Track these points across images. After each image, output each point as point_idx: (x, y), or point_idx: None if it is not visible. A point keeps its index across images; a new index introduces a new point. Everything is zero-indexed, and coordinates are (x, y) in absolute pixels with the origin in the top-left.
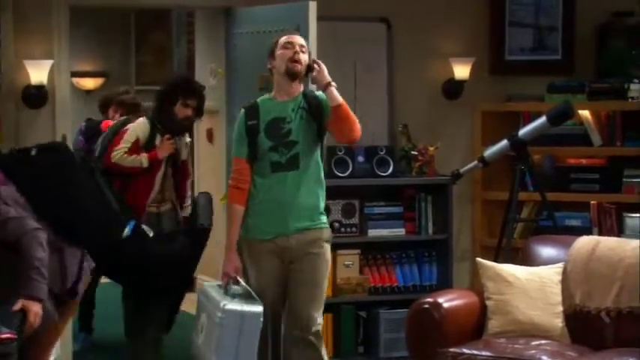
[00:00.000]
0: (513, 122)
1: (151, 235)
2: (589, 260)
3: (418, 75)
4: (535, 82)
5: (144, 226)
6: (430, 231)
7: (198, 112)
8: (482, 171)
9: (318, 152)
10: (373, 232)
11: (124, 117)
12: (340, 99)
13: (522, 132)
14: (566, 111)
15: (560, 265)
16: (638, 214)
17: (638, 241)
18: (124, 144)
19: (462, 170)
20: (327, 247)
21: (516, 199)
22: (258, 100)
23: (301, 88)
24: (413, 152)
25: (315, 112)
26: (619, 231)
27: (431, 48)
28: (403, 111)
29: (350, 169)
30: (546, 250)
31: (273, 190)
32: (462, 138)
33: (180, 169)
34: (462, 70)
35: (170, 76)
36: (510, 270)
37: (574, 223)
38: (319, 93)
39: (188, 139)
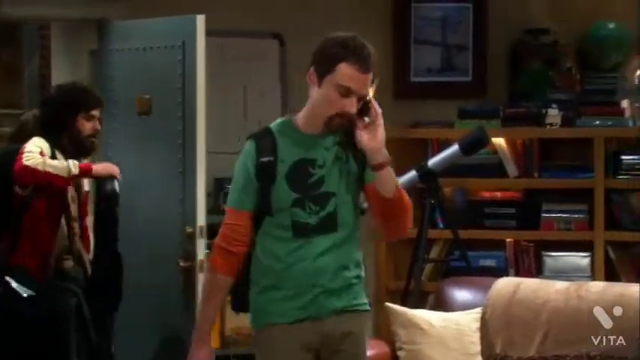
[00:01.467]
0: (421, 151)
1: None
2: (510, 304)
3: None
4: (444, 106)
5: (16, 285)
6: None
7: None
8: None
9: (359, 204)
10: None
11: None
12: (396, 183)
13: (432, 162)
14: (480, 138)
15: (479, 310)
16: (558, 253)
17: (562, 282)
18: (32, 150)
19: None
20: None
21: (425, 236)
22: (273, 126)
23: None
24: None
25: (358, 149)
26: (537, 271)
27: None
28: None
29: None
30: (462, 294)
31: (294, 257)
32: None
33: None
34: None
35: (52, 90)
36: (424, 316)
37: (489, 263)
38: None
39: None
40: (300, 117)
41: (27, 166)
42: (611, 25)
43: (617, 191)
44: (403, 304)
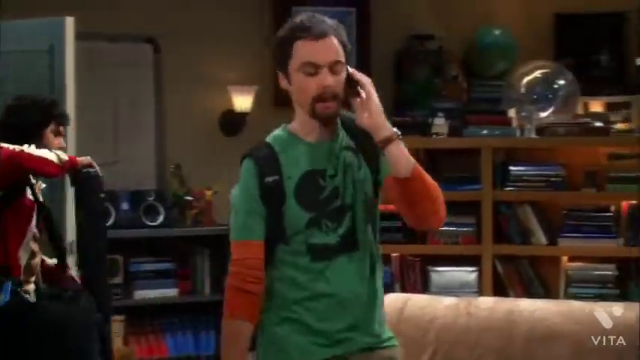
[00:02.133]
0: None
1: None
2: (398, 322)
3: (192, 106)
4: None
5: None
6: (207, 291)
7: None
8: None
9: (378, 216)
10: (140, 294)
11: None
12: (411, 163)
13: None
14: None
15: None
16: (444, 268)
17: (450, 298)
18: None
19: None
20: None
21: None
22: (271, 139)
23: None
24: (187, 198)
25: (369, 151)
26: (423, 287)
27: (206, 74)
28: (174, 149)
29: (112, 218)
30: None
31: (316, 285)
32: None
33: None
34: (242, 101)
35: (20, 99)
36: None
37: None
38: None
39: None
40: (296, 125)
41: (21, 150)
42: (497, 32)
43: (505, 203)
44: None
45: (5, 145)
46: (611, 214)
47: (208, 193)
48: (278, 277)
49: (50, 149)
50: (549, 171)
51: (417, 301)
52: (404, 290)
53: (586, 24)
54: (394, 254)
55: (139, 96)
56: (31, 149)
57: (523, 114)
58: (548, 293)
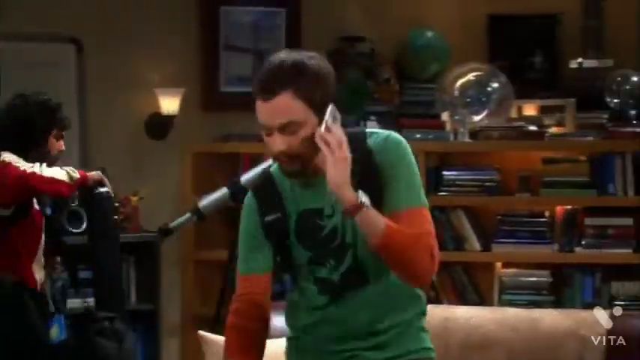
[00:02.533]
0: (232, 166)
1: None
2: None
3: (116, 108)
4: (256, 118)
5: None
6: (133, 300)
7: None
8: (194, 226)
9: None
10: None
11: None
12: (379, 228)
13: (245, 178)
14: None
15: None
16: None
17: None
18: (19, 161)
19: (171, 225)
20: None
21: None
22: (273, 170)
23: None
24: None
25: (369, 184)
26: None
27: (132, 76)
28: (99, 152)
29: None
30: (280, 321)
31: (324, 314)
32: (170, 185)
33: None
34: (169, 104)
35: (21, 101)
36: None
37: None
38: (378, 135)
39: None
40: None
41: (32, 172)
42: (429, 34)
43: (439, 208)
44: (212, 331)
45: (14, 163)
46: (546, 219)
47: (134, 198)
48: (299, 296)
49: (51, 155)
50: (483, 176)
51: None
52: None
53: (519, 26)
54: None
55: (61, 98)
56: (42, 169)
57: (456, 117)
58: (482, 300)
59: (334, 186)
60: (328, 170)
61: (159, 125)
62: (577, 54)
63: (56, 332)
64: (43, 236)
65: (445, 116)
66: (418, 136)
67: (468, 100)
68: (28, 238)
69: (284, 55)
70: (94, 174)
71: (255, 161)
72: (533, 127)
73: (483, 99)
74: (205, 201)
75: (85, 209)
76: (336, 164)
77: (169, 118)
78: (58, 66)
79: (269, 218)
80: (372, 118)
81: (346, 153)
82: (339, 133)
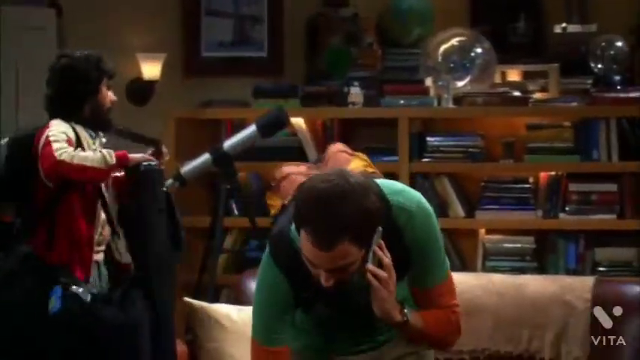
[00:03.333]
0: (214, 132)
1: (88, 298)
2: None
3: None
4: (238, 83)
5: (75, 288)
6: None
7: None
8: (176, 192)
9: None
10: None
11: None
12: (419, 333)
13: (228, 144)
14: (279, 119)
15: None
16: None
17: None
18: (59, 139)
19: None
20: None
21: (221, 226)
22: (293, 235)
23: None
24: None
25: (400, 262)
26: None
27: (113, 41)
28: None
29: None
30: None
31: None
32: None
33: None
34: (151, 69)
35: (66, 59)
36: (224, 311)
37: None
38: (405, 211)
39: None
40: None
41: (62, 161)
42: None
43: (422, 175)
44: (195, 298)
45: (53, 143)
46: (530, 185)
47: None
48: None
49: (105, 109)
50: (467, 142)
51: None
52: None
53: None
54: None
55: (41, 61)
56: (73, 155)
57: (440, 83)
58: (466, 266)
59: (384, 314)
60: (378, 303)
61: (140, 91)
62: (561, 19)
63: (52, 303)
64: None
65: (429, 82)
66: (402, 101)
67: (452, 65)
68: (84, 207)
69: (335, 196)
70: (138, 156)
71: (237, 127)
72: (517, 93)
73: (467, 64)
74: (187, 167)
75: (134, 183)
76: (384, 300)
77: (151, 84)
78: (39, 30)
79: (305, 295)
80: (355, 83)
81: (393, 286)
82: (387, 265)
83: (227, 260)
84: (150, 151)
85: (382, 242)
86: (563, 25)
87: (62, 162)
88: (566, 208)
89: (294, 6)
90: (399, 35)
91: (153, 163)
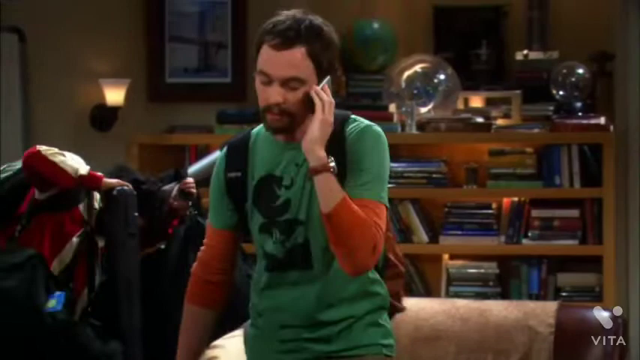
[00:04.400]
0: (178, 158)
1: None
2: None
3: (61, 99)
4: (202, 109)
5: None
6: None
7: None
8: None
9: None
10: None
11: None
12: (336, 197)
13: (192, 170)
14: None
15: None
16: None
17: None
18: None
19: None
20: None
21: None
22: (254, 131)
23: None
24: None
25: (339, 164)
26: None
27: (76, 66)
28: (43, 144)
29: None
30: None
31: (266, 294)
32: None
33: None
34: (115, 95)
35: None
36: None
37: None
38: (358, 124)
39: None
40: None
41: (38, 151)
42: (375, 25)
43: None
44: None
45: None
46: (493, 211)
47: None
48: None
49: None
50: (430, 167)
51: None
52: None
53: (465, 17)
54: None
55: (3, 88)
56: (55, 152)
57: (404, 109)
58: (430, 292)
59: (311, 142)
60: (311, 126)
61: (104, 117)
62: (523, 46)
63: (53, 303)
64: (75, 241)
65: (392, 108)
66: None
67: (415, 91)
68: (60, 233)
69: (301, 13)
70: (114, 181)
71: (201, 153)
72: (479, 119)
73: (430, 91)
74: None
75: (105, 207)
76: (321, 123)
77: (114, 110)
78: (1, 56)
79: (231, 175)
80: None
81: (331, 118)
82: (329, 98)
83: None
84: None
85: (328, 90)
86: (525, 52)
87: (39, 152)
88: (529, 234)
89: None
90: (363, 62)
91: (127, 188)
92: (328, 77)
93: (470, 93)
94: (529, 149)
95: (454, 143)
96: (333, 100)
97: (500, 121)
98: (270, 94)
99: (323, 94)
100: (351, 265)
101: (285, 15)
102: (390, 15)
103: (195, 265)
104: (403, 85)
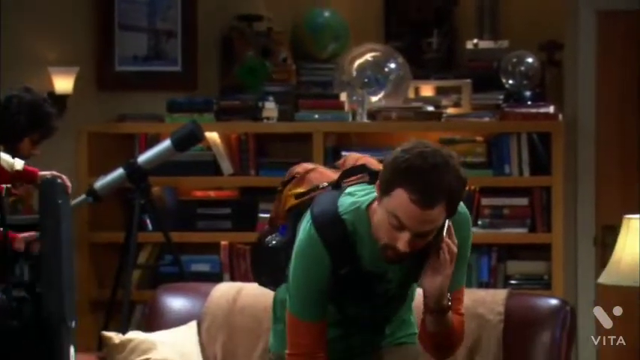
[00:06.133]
0: (128, 147)
1: None
2: (230, 313)
3: (9, 88)
4: (152, 98)
5: None
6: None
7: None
8: (88, 208)
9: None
10: None
11: None
12: (447, 328)
13: (142, 159)
14: (194, 133)
15: (194, 322)
16: None
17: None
18: None
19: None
20: None
21: (135, 240)
22: (347, 214)
23: None
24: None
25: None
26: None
27: (24, 54)
28: None
29: None
30: (178, 302)
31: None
32: (65, 166)
33: None
34: (63, 83)
35: (19, 96)
36: (141, 337)
37: (202, 268)
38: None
39: None
40: (374, 211)
41: None
42: (326, 13)
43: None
44: (109, 315)
45: None
46: None
47: None
48: None
49: (23, 154)
50: (381, 156)
51: (250, 290)
52: (234, 279)
53: (416, 6)
54: (223, 242)
55: None
56: None
57: (354, 98)
58: None
59: (439, 290)
60: (441, 278)
61: (53, 105)
62: (473, 35)
63: None
64: None
65: (343, 97)
66: (316, 116)
67: (366, 80)
68: None
69: (441, 157)
70: (47, 173)
71: (151, 141)
72: (430, 108)
73: (381, 79)
74: (101, 182)
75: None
76: (446, 277)
77: (63, 98)
78: None
79: (342, 272)
80: (270, 98)
81: (452, 269)
82: (454, 248)
83: (141, 276)
84: None
85: (452, 231)
86: (475, 41)
87: None
88: (479, 222)
89: (208, 20)
90: (314, 50)
91: (58, 179)
92: (448, 222)
93: (420, 82)
94: (479, 138)
95: (405, 132)
96: (455, 250)
97: (450, 110)
98: (400, 241)
99: (452, 247)
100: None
101: (428, 162)
102: (342, 3)
103: None
104: (354, 73)
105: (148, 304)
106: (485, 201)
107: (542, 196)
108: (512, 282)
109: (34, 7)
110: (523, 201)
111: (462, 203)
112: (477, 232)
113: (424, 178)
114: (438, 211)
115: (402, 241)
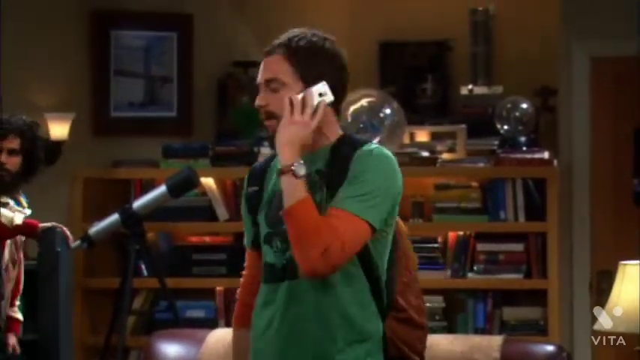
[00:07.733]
0: (123, 192)
1: None
2: (227, 358)
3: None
4: (147, 143)
5: None
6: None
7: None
8: (83, 254)
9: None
10: None
11: None
12: (296, 197)
13: (137, 204)
14: (189, 179)
15: None
16: None
17: None
18: None
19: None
20: None
21: (130, 286)
22: None
23: (336, 131)
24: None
25: (338, 181)
26: None
27: (20, 100)
28: None
29: None
30: (173, 349)
31: (262, 311)
32: (59, 212)
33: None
34: (59, 129)
35: None
36: None
37: (197, 314)
38: (369, 147)
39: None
40: None
41: None
42: None
43: None
44: None
45: None
46: (438, 245)
47: None
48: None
49: None
50: None
51: (246, 337)
52: (229, 325)
53: (410, 52)
54: (218, 288)
55: None
56: None
57: None
58: None
59: (278, 144)
60: (279, 128)
61: (48, 151)
62: (467, 81)
63: None
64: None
65: None
66: None
67: (361, 125)
68: None
69: (298, 29)
70: (48, 224)
71: (146, 187)
72: (425, 153)
73: (376, 125)
74: (96, 227)
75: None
76: (289, 125)
77: (58, 144)
78: None
79: (250, 189)
80: (265, 143)
81: (306, 118)
82: (310, 102)
83: (136, 321)
84: None
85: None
86: (470, 86)
87: None
88: (475, 268)
89: (204, 66)
90: None
91: (58, 229)
92: (320, 84)
93: (415, 127)
94: (474, 183)
95: None
96: (312, 104)
97: (445, 156)
98: (257, 99)
99: (295, 99)
100: (301, 264)
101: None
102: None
103: (238, 289)
104: (349, 119)
105: (143, 350)
106: (480, 246)
107: (537, 242)
108: (509, 328)
109: (30, 53)
110: (518, 246)
111: (383, 148)
112: (473, 278)
113: (276, 38)
114: (275, 58)
115: (258, 97)
